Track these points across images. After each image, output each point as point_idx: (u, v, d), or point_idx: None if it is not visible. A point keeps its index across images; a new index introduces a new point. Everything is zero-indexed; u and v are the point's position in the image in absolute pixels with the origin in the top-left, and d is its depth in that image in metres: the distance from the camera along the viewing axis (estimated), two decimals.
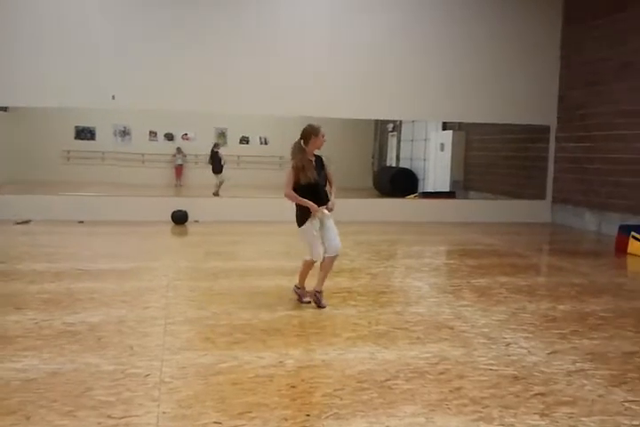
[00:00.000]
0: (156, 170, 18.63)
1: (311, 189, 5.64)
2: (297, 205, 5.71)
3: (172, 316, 5.33)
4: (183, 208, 12.16)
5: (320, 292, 5.81)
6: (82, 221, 11.64)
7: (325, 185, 5.80)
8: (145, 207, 12.32)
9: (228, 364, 4.15)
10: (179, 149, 19.04)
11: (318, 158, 5.80)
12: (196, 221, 12.16)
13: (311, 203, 5.62)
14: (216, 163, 15.55)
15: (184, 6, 12.41)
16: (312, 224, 5.70)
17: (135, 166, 18.33)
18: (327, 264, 5.81)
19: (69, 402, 3.49)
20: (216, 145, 16.11)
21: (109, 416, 3.31)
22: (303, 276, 5.94)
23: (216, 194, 14.57)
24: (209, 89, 12.52)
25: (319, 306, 5.74)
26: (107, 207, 12.20)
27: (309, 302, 5.83)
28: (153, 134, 19.29)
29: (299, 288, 5.97)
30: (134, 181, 16.73)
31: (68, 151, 18.24)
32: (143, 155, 18.47)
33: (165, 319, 5.20)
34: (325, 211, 5.76)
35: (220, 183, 14.94)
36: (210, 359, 4.23)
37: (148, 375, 3.91)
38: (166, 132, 19.30)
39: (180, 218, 12.03)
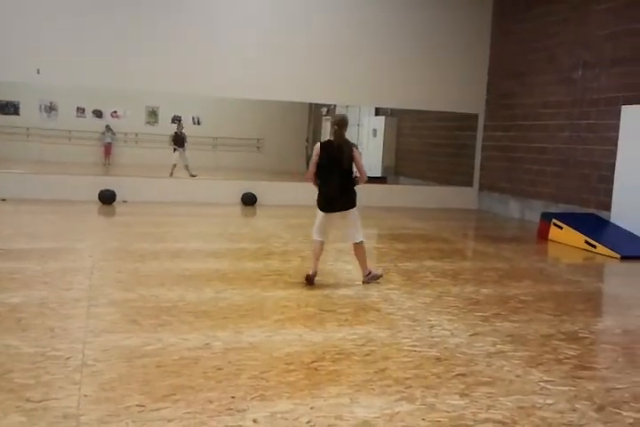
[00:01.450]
0: (84, 147, 18.02)
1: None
2: (353, 188, 6.05)
3: (96, 297, 5.20)
4: (111, 188, 11.87)
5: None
6: (4, 199, 11.21)
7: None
8: (71, 186, 11.97)
9: (153, 346, 4.09)
10: (108, 127, 18.46)
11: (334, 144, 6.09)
12: (125, 202, 11.90)
13: None
14: (178, 143, 15.19)
15: None
16: None
17: (61, 143, 17.67)
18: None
19: None
20: (180, 125, 15.72)
21: (28, 400, 3.22)
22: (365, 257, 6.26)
23: (193, 175, 14.25)
24: (139, 66, 12.22)
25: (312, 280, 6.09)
26: (31, 185, 11.76)
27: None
28: (81, 111, 18.61)
29: (370, 272, 6.21)
30: (60, 159, 16.16)
31: None
32: (70, 131, 17.83)
33: (89, 301, 5.08)
34: None
35: (174, 165, 14.62)
36: (134, 342, 4.16)
37: (69, 358, 3.81)
38: (95, 108, 18.68)
39: (107, 197, 11.74)
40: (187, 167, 14.63)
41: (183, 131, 15.47)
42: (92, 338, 4.19)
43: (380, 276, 6.35)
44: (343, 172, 6.00)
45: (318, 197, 6.14)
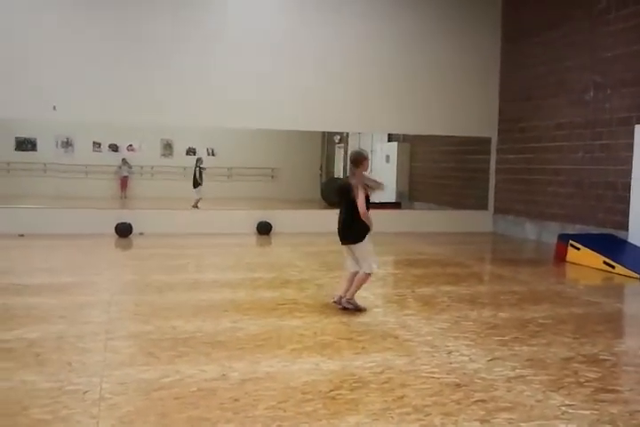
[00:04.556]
0: (101, 181, 18.25)
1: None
2: (358, 221, 6.08)
3: (114, 331, 5.22)
4: (128, 220, 11.98)
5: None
6: (22, 235, 11.33)
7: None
8: (88, 220, 12.10)
9: (171, 378, 4.09)
10: (124, 161, 18.71)
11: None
12: (141, 234, 11.99)
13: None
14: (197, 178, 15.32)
15: (127, 17, 12.32)
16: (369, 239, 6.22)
17: (78, 178, 17.91)
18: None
19: (5, 422, 3.38)
20: (199, 159, 15.89)
21: None
22: (359, 288, 6.24)
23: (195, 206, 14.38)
24: (154, 100, 12.42)
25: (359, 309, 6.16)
26: (49, 220, 11.89)
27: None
28: (97, 145, 18.90)
29: (352, 299, 6.18)
30: (77, 193, 16.37)
31: (8, 163, 17.73)
32: (86, 166, 18.08)
33: (106, 334, 5.10)
34: None
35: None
36: (152, 374, 4.16)
37: (87, 392, 3.82)
38: (111, 142, 18.96)
39: (124, 230, 11.84)
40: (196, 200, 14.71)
41: (203, 165, 15.56)
42: (110, 371, 4.20)
43: (361, 309, 6.17)
44: (347, 208, 6.19)
45: None
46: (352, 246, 6.21)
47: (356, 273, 6.23)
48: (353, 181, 6.13)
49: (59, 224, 11.81)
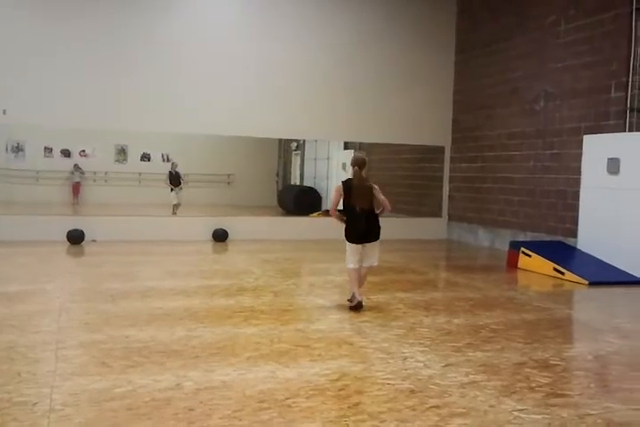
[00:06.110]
0: (52, 187, 17.86)
1: None
2: (378, 221, 6.62)
3: (65, 340, 5.11)
4: (80, 227, 11.76)
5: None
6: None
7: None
8: (39, 226, 11.82)
9: (124, 388, 4.02)
10: (76, 166, 18.35)
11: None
12: (94, 241, 11.78)
13: None
14: (174, 182, 15.10)
15: (80, 18, 12.13)
16: None
17: (29, 184, 17.50)
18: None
19: None
20: (173, 164, 15.68)
21: None
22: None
23: (174, 213, 14.19)
24: (107, 104, 12.26)
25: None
26: None
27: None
28: (48, 150, 18.50)
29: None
30: (28, 199, 15.99)
31: None
32: (37, 172, 17.68)
33: (57, 344, 4.98)
34: None
35: (174, 205, 14.55)
36: (104, 384, 4.08)
37: (36, 403, 3.72)
38: (63, 148, 18.57)
39: (76, 237, 11.61)
40: (175, 206, 14.54)
41: (177, 170, 15.38)
42: (61, 382, 4.10)
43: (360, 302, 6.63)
44: (370, 208, 6.52)
45: (348, 230, 6.63)
46: (375, 243, 6.63)
47: (359, 270, 6.62)
48: (369, 183, 6.55)
49: (8, 231, 11.51)
